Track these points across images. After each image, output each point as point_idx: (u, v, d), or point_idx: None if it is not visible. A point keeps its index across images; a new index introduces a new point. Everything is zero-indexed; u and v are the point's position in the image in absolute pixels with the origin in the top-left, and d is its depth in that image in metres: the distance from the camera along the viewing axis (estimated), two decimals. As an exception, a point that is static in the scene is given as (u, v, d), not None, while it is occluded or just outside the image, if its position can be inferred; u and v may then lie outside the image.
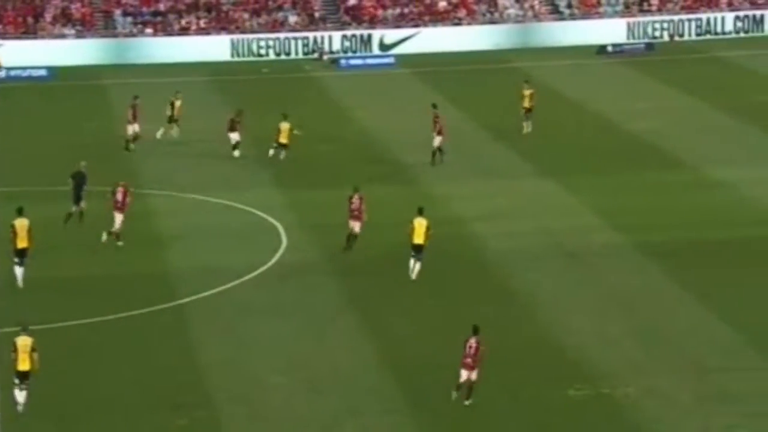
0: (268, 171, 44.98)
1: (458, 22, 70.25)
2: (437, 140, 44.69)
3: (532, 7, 71.42)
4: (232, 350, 30.03)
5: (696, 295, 32.74)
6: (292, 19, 69.63)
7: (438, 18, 70.45)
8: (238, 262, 35.56)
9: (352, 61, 66.52)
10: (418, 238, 33.54)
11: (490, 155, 47.13)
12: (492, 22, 70.38)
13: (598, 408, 26.83)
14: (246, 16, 69.25)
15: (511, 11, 71.16)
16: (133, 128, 47.48)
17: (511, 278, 34.49)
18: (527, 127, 48.05)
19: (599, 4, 71.58)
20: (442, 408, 26.85)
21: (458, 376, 26.61)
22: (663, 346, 29.78)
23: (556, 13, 71.50)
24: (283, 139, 45.27)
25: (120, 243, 36.52)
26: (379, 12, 70.29)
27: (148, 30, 68.20)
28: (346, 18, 70.28)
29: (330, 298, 33.32)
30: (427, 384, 27.99)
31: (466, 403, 26.67)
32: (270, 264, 35.69)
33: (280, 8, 70.00)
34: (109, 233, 36.53)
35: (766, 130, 49.58)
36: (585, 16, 70.97)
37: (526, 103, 47.97)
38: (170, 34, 67.89)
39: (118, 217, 36.50)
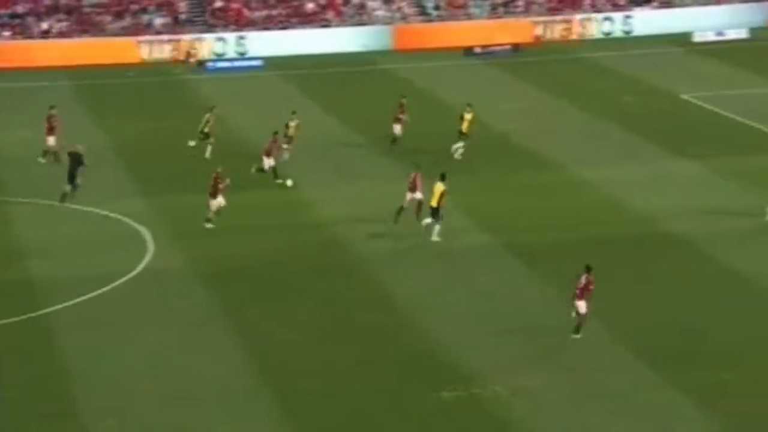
0: (136, 178, 44.14)
1: (326, 24, 70.11)
2: (397, 128, 46.52)
3: (399, 8, 71.69)
4: (99, 360, 29.33)
5: (565, 295, 33.10)
6: (158, 21, 68.57)
7: (306, 20, 70.19)
8: (105, 270, 34.80)
9: (220, 64, 65.82)
10: (433, 201, 36.69)
11: (358, 158, 47.04)
12: (360, 23, 70.43)
13: (471, 408, 26.92)
14: (108, 18, 67.92)
15: (379, 13, 71.31)
16: (49, 140, 44.66)
17: (382, 281, 34.45)
18: (457, 152, 45.80)
19: (466, 5, 72.25)
20: (316, 413, 26.65)
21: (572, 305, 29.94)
22: (533, 345, 30.04)
23: (424, 15, 71.88)
24: (291, 134, 45.61)
25: (209, 225, 38.08)
26: (247, 13, 69.73)
27: (6, 33, 66.35)
28: (213, 20, 69.52)
29: (199, 305, 32.81)
30: (300, 390, 27.78)
31: (575, 336, 29.66)
32: (137, 271, 35.00)
33: (144, 11, 68.84)
34: (210, 218, 38.25)
35: (630, 130, 50.56)
36: (452, 17, 71.52)
37: (464, 128, 46.08)
38: (30, 37, 66.20)
39: (213, 203, 38.09)
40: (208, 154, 45.69)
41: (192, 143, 46.12)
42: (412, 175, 38.67)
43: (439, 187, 36.99)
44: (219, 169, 38.83)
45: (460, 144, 45.96)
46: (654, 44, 68.04)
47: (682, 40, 68.44)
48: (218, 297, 33.29)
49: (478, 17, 71.61)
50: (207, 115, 46.44)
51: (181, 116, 52.59)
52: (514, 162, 46.36)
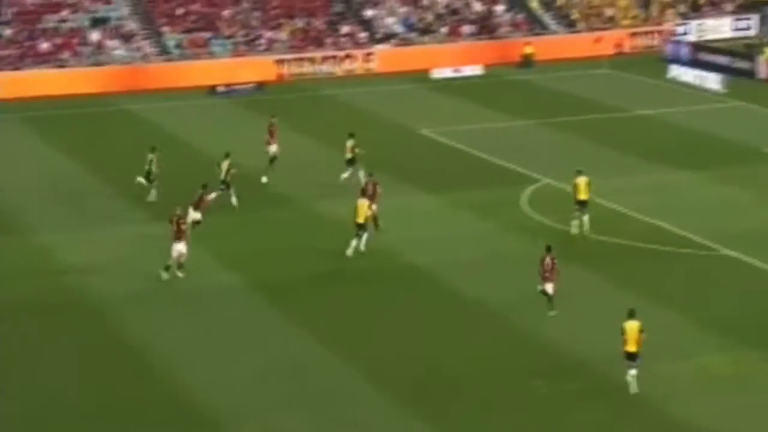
0: None
1: (62, 65, 68.32)
2: (272, 149, 48.29)
3: (139, 48, 70.72)
4: None
5: (310, 331, 33.27)
6: None
7: (40, 60, 68.21)
8: None
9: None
10: (359, 218, 38.50)
11: (100, 201, 45.98)
12: (98, 63, 69.02)
13: (218, 452, 26.64)
14: None
15: (119, 52, 70.12)
16: None
17: (124, 324, 33.74)
18: (347, 174, 46.30)
19: (208, 44, 72.00)
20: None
21: (541, 285, 32.78)
22: (281, 383, 30.02)
23: (165, 54, 71.15)
24: (222, 176, 44.26)
25: (181, 274, 36.70)
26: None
27: None
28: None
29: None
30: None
31: (551, 314, 32.51)
32: None
33: None
34: (170, 266, 36.49)
35: (372, 166, 51.30)
36: (194, 56, 71.11)
37: (348, 154, 46.61)
38: None
39: (177, 247, 36.29)
40: (152, 196, 44.98)
41: (146, 183, 45.12)
42: (371, 186, 40.41)
43: (363, 203, 38.79)
44: (179, 211, 36.95)
45: (348, 172, 46.65)
46: (394, 81, 69.69)
47: (420, 76, 70.36)
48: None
49: (220, 56, 71.51)
50: (151, 156, 45.09)
51: None
52: (256, 200, 46.35)
